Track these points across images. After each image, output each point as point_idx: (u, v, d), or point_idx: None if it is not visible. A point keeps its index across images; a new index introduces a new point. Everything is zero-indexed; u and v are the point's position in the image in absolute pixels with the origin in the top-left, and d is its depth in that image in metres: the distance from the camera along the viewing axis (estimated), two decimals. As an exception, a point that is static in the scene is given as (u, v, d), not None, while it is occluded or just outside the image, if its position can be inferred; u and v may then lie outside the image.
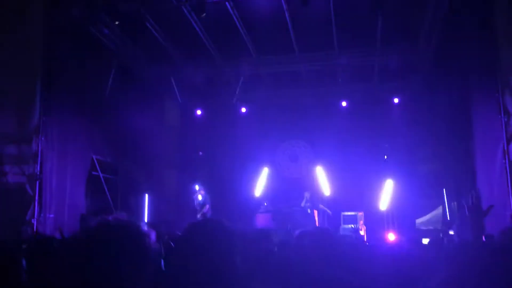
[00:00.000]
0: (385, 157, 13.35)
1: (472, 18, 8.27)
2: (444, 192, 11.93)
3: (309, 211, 11.97)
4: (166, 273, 1.64)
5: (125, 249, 1.32)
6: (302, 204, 12.14)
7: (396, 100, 13.20)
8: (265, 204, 12.71)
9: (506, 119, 7.24)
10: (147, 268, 1.35)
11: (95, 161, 10.57)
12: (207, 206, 11.63)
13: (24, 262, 3.21)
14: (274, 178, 13.97)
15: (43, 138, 8.79)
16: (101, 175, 10.71)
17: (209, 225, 1.60)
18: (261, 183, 13.86)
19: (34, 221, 8.37)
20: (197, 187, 11.88)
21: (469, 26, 8.45)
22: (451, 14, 8.45)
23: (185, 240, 1.53)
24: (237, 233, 1.57)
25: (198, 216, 11.22)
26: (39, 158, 8.59)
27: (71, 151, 9.80)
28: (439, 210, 12.52)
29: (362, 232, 11.56)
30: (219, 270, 1.44)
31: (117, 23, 10.04)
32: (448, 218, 11.58)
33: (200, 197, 11.72)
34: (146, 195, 12.23)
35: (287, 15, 9.74)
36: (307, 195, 12.21)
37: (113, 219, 1.39)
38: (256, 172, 13.88)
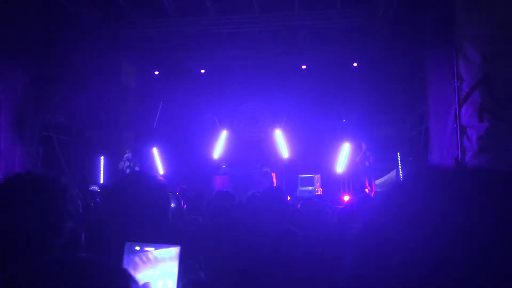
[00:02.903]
0: (343, 120, 13.54)
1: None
2: (398, 155, 12.27)
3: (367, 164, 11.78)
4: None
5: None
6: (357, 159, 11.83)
7: (355, 64, 13.29)
8: (224, 166, 12.71)
9: (458, 84, 7.39)
10: None
11: (47, 121, 10.19)
12: (137, 169, 11.27)
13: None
14: (233, 140, 13.94)
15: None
16: (53, 136, 10.35)
17: (140, 177, 1.54)
18: (219, 146, 13.81)
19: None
20: (126, 153, 11.50)
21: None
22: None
23: (114, 193, 1.47)
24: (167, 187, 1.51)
25: None
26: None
27: (20, 111, 9.37)
28: (393, 173, 12.90)
29: (318, 193, 11.80)
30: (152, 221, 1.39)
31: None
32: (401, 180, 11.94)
33: (126, 163, 11.33)
34: (102, 158, 11.96)
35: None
36: (363, 146, 11.86)
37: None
38: (215, 134, 13.81)
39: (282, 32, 11.98)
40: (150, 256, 1.33)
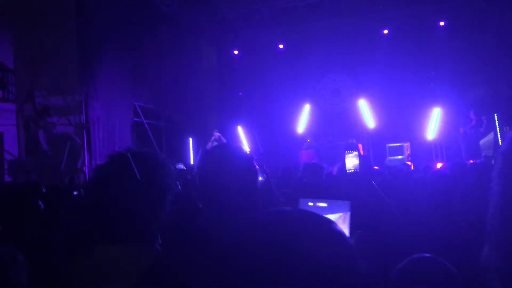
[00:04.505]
0: (431, 85, 12.83)
1: None
2: (496, 117, 11.42)
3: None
4: None
5: None
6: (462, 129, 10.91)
7: (442, 24, 12.46)
8: (308, 140, 12.66)
9: None
10: None
11: (138, 107, 10.77)
12: None
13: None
14: (316, 113, 13.80)
15: (86, 88, 9.01)
16: (144, 121, 10.93)
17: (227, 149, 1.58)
18: (303, 120, 13.76)
19: (86, 169, 8.75)
20: (214, 132, 11.76)
21: None
22: None
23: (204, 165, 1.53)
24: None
25: None
26: (83, 108, 8.85)
27: (115, 100, 10.02)
28: (490, 136, 12.05)
29: (409, 163, 11.37)
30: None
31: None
32: (500, 143, 11.15)
33: (215, 143, 11.60)
34: (190, 139, 12.43)
35: None
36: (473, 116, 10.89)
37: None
38: (298, 109, 13.76)
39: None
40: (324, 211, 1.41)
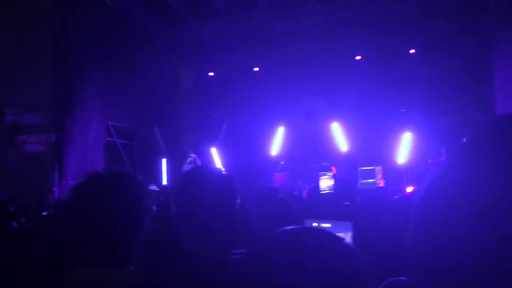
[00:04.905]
0: (402, 110, 13.14)
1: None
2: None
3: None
4: None
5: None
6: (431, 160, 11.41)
7: (412, 51, 12.85)
8: (282, 162, 12.72)
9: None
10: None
11: (111, 127, 10.64)
12: None
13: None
14: (290, 136, 13.91)
15: (58, 107, 8.87)
16: (117, 141, 10.80)
17: (204, 170, 1.58)
18: (277, 142, 13.83)
19: (56, 189, 8.55)
20: (190, 155, 11.74)
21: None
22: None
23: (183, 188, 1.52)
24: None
25: None
26: (55, 127, 8.70)
27: (88, 118, 9.86)
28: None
29: (381, 185, 11.53)
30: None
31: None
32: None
33: (190, 165, 11.52)
34: (164, 160, 12.32)
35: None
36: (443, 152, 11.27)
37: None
38: (272, 131, 13.84)
39: (336, 24, 11.79)
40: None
